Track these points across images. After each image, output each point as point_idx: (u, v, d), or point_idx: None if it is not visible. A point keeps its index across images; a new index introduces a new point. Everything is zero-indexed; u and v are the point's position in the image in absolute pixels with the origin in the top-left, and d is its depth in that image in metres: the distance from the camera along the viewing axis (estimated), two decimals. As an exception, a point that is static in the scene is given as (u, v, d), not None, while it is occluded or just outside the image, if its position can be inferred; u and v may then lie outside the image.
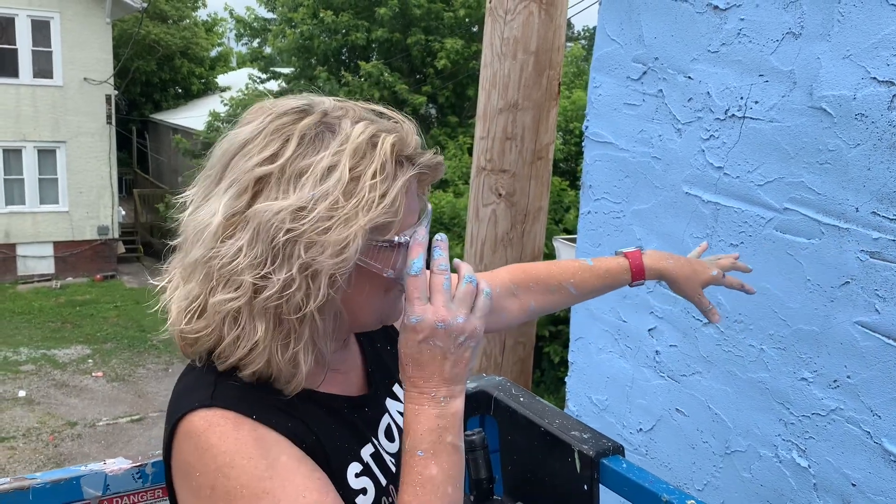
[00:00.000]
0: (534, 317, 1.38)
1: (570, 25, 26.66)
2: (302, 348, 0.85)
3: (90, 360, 12.68)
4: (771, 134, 1.61)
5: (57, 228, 17.27)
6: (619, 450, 1.38)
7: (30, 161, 16.86)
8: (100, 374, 12.15)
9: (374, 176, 0.84)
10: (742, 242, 1.69)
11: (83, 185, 17.40)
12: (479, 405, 1.65)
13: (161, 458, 1.20)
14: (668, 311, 1.87)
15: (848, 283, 1.48)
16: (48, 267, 17.25)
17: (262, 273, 0.81)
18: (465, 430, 1.53)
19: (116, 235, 18.21)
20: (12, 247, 16.85)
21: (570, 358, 2.23)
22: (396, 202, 0.85)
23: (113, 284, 17.30)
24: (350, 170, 0.83)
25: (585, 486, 1.38)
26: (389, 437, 1.03)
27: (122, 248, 18.88)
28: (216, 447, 0.81)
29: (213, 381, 0.85)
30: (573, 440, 1.41)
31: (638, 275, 1.34)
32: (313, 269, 0.81)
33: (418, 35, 14.88)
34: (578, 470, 1.39)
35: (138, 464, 1.26)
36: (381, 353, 1.10)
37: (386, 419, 1.03)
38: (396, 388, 1.09)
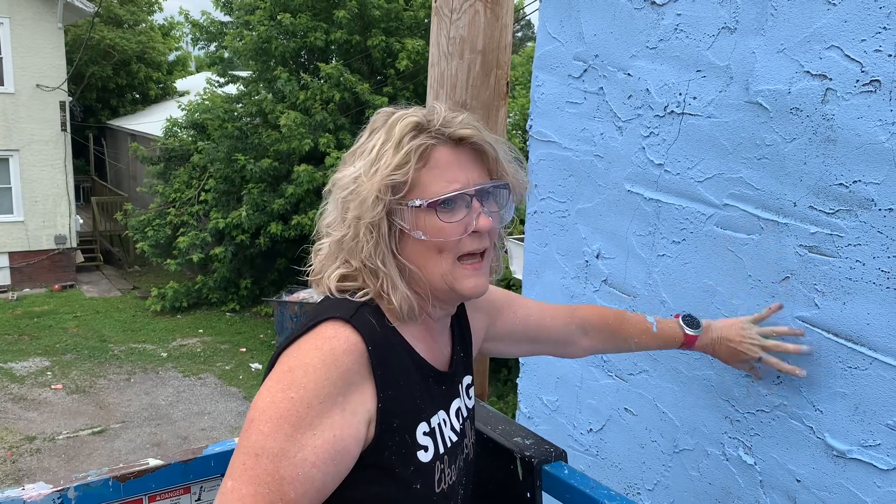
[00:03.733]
0: (596, 353, 1.57)
1: (529, 25, 26.78)
2: (385, 283, 1.05)
3: (49, 373, 12.39)
4: (709, 130, 1.60)
5: (12, 239, 16.86)
6: (561, 455, 1.36)
7: (-17, 170, 16.45)
8: (59, 386, 11.88)
9: (392, 147, 1.04)
10: (684, 239, 1.68)
11: (38, 193, 17.01)
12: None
13: (83, 481, 1.17)
14: (615, 308, 1.85)
15: (787, 278, 1.48)
16: (4, 278, 16.83)
17: (337, 226, 1.08)
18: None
19: (74, 244, 17.83)
20: (-35, 259, 16.42)
21: (520, 359, 2.21)
22: (407, 165, 1.03)
23: (72, 294, 16.93)
24: (380, 147, 1.06)
25: (528, 494, 1.35)
26: (458, 417, 1.18)
27: (80, 258, 18.50)
28: (322, 353, 0.98)
29: (356, 307, 1.05)
30: (515, 446, 1.39)
31: (684, 348, 1.52)
32: (357, 220, 1.04)
33: (379, 37, 14.80)
34: (521, 477, 1.36)
35: (60, 489, 1.20)
36: (460, 354, 1.24)
37: (458, 402, 1.19)
38: (461, 389, 1.23)
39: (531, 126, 2.06)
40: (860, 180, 1.34)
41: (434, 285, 1.10)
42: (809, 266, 1.44)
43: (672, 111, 1.67)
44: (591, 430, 1.98)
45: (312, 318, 1.04)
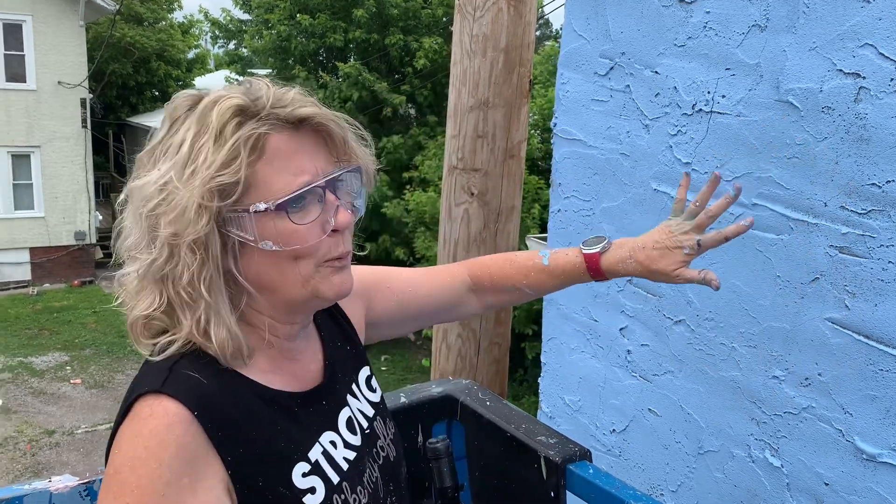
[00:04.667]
0: (492, 309, 1.43)
1: (548, 24, 26.71)
2: (205, 318, 0.87)
3: (68, 367, 12.53)
4: (738, 128, 1.58)
5: (32, 234, 17.05)
6: (586, 455, 1.35)
7: (3, 166, 16.64)
8: (78, 380, 12.00)
9: (211, 140, 0.85)
10: (711, 239, 1.66)
11: (59, 190, 17.20)
12: (445, 410, 1.61)
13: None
14: (640, 309, 1.84)
15: (817, 279, 1.46)
16: (24, 273, 17.03)
17: (144, 248, 0.88)
18: (431, 437, 1.50)
19: (94, 240, 18.01)
20: (-13, 253, 16.63)
21: (542, 359, 2.20)
22: (233, 163, 0.84)
23: (91, 290, 17.10)
24: (191, 141, 0.85)
25: (552, 493, 1.35)
26: (352, 427, 1.03)
27: (99, 254, 18.66)
28: (143, 438, 0.82)
29: (168, 368, 0.87)
30: (539, 446, 1.38)
31: (597, 276, 1.27)
32: (173, 241, 0.85)
33: (397, 35, 14.83)
34: (545, 476, 1.35)
35: (86, 481, 1.20)
36: (341, 352, 1.09)
37: (346, 412, 1.04)
38: (355, 388, 1.09)
39: (555, 124, 2.05)
40: (893, 180, 1.32)
41: (293, 299, 0.93)
42: (840, 267, 1.42)
43: (700, 109, 1.65)
44: (614, 430, 1.96)
45: (128, 393, 0.88)
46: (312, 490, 0.92)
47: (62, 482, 1.19)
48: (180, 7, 25.99)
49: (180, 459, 0.81)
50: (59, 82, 16.83)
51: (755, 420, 1.60)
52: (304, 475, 0.92)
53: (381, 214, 13.10)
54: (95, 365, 12.65)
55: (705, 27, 1.64)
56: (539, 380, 2.21)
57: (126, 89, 24.55)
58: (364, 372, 1.13)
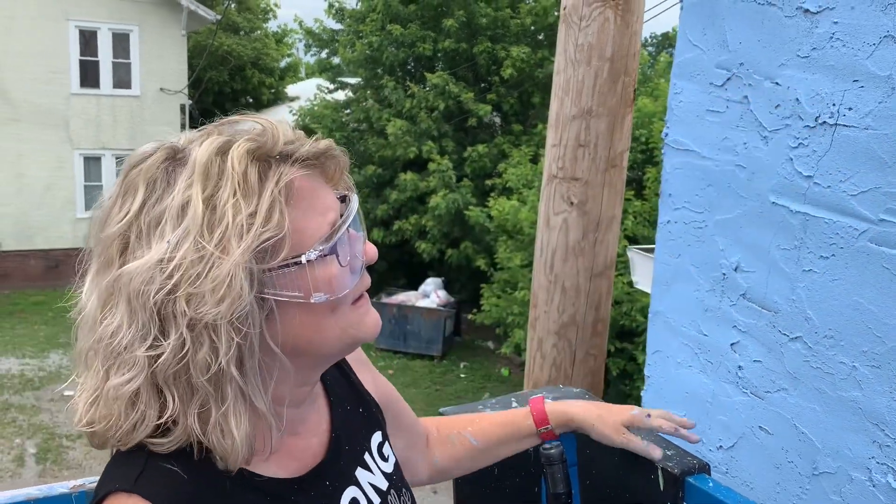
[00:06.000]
0: (445, 476, 1.27)
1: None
2: (230, 412, 0.73)
3: (162, 362, 13.06)
4: (866, 142, 1.53)
5: (132, 233, 17.89)
6: (704, 468, 1.34)
7: (108, 168, 17.53)
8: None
9: (234, 194, 0.72)
10: (833, 255, 1.62)
11: (158, 191, 18.00)
12: (555, 417, 1.62)
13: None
14: (753, 325, 1.80)
15: (951, 298, 1.40)
16: (123, 270, 17.88)
17: (151, 343, 0.71)
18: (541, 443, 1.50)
19: (188, 241, 18.75)
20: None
21: (646, 372, 2.18)
22: (274, 215, 0.73)
23: (184, 288, 17.80)
24: (205, 199, 0.72)
25: (669, 505, 1.34)
26: None
27: (193, 254, 19.41)
28: None
29: (143, 461, 0.75)
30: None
31: (541, 421, 1.25)
32: (204, 323, 0.70)
33: (485, 44, 14.90)
34: (662, 488, 1.34)
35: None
36: (351, 417, 0.98)
37: (351, 492, 0.90)
38: (368, 458, 0.96)
39: (667, 134, 2.03)
40: None
41: (327, 354, 0.84)
42: (977, 287, 1.36)
43: (824, 122, 1.62)
44: (720, 447, 1.93)
45: (96, 489, 0.78)
46: None
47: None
48: (275, 17, 26.86)
49: None
50: (160, 89, 17.64)
51: (877, 443, 1.55)
52: None
53: (464, 221, 13.17)
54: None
55: (832, 38, 1.60)
56: (642, 393, 2.19)
57: (222, 96, 25.50)
58: (376, 438, 1.00)
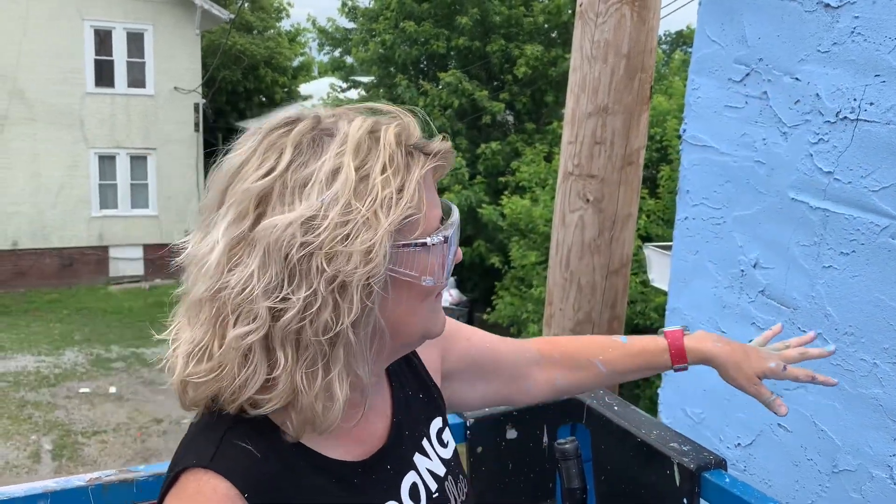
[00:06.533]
0: (562, 395, 1.29)
1: (650, 31, 26.20)
2: (336, 375, 0.76)
3: (176, 360, 13.12)
4: (888, 137, 1.52)
5: (147, 232, 17.99)
6: (721, 464, 1.33)
7: (123, 167, 17.64)
8: (185, 373, 12.56)
9: (383, 170, 0.76)
10: (853, 251, 1.60)
11: (172, 190, 18.09)
12: (570, 413, 1.62)
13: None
14: (772, 321, 1.79)
15: (975, 295, 1.39)
16: (138, 269, 17.98)
17: (281, 296, 0.73)
18: (555, 438, 1.51)
19: (202, 239, 18.82)
20: (105, 249, 17.64)
21: (662, 368, 2.17)
22: (416, 196, 0.77)
23: (198, 286, 17.88)
24: (356, 169, 0.76)
25: (685, 500, 1.33)
26: (415, 498, 0.92)
27: (206, 252, 19.48)
28: None
29: (219, 439, 0.78)
30: (672, 452, 1.37)
31: (678, 357, 1.23)
32: (340, 282, 0.73)
33: (499, 42, 14.88)
34: (678, 483, 1.34)
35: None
36: (412, 403, 0.99)
37: (411, 477, 0.92)
38: (426, 443, 0.98)
39: (685, 130, 2.02)
40: None
41: (407, 342, 0.87)
42: None
43: (845, 117, 1.60)
44: (738, 444, 1.92)
45: (173, 462, 0.81)
46: None
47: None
48: (288, 16, 26.94)
49: None
50: (175, 88, 17.72)
51: (899, 440, 1.54)
52: None
53: (477, 219, 13.16)
54: (201, 358, 13.22)
55: (853, 32, 1.59)
56: (659, 390, 2.18)
57: (235, 95, 25.58)
58: (436, 423, 1.01)
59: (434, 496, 0.93)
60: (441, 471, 0.97)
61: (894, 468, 1.55)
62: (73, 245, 17.30)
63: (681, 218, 2.03)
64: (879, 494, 1.58)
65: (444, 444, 1.00)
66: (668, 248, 2.14)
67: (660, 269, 6.51)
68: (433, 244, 0.80)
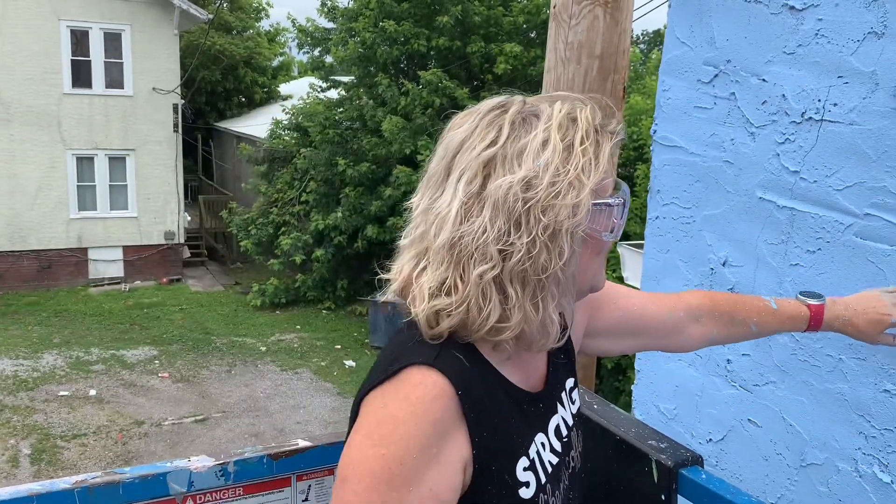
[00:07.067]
0: (712, 345, 1.43)
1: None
2: (553, 307, 0.94)
3: (157, 361, 13.05)
4: (851, 137, 1.56)
5: (126, 233, 17.85)
6: (697, 460, 1.35)
7: (101, 168, 17.48)
8: (166, 374, 12.49)
9: (582, 142, 0.94)
10: (819, 249, 1.64)
11: (151, 191, 17.95)
12: (546, 411, 1.64)
13: (241, 457, 1.24)
14: (741, 318, 1.82)
15: (934, 291, 1.42)
16: (118, 270, 17.83)
17: (509, 241, 0.91)
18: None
19: (182, 240, 18.71)
20: (84, 251, 17.48)
21: (636, 366, 2.20)
22: (607, 164, 0.95)
23: (179, 288, 17.77)
24: (561, 140, 0.93)
25: (663, 497, 1.35)
26: (558, 436, 1.08)
27: (187, 253, 19.38)
28: (409, 402, 0.90)
29: (440, 347, 0.94)
30: (650, 449, 1.39)
31: (815, 327, 1.39)
32: (552, 230, 0.91)
33: (478, 43, 14.91)
34: (656, 480, 1.36)
35: (221, 462, 1.29)
36: (557, 359, 1.14)
37: (556, 419, 1.09)
38: (564, 396, 1.13)
39: (655, 131, 2.05)
40: None
41: (581, 290, 1.04)
42: (960, 279, 1.38)
43: (810, 118, 1.64)
44: (710, 439, 1.95)
45: (393, 360, 0.95)
46: (527, 485, 0.99)
47: (200, 462, 1.27)
48: (267, 16, 26.81)
49: (436, 430, 0.90)
50: (153, 88, 17.57)
51: (863, 434, 1.57)
52: (525, 469, 0.99)
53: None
54: (182, 360, 13.14)
55: (817, 34, 1.62)
56: (633, 387, 2.21)
57: (214, 95, 25.44)
58: (570, 382, 1.17)
59: (565, 440, 1.10)
60: (570, 421, 1.13)
61: (859, 461, 1.58)
62: (52, 247, 17.12)
63: (652, 217, 2.06)
64: (845, 487, 1.61)
65: (573, 402, 1.17)
66: (642, 246, 2.17)
67: (633, 267, 6.56)
68: (616, 204, 0.98)
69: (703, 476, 1.30)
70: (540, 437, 1.04)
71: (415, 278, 0.97)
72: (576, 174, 0.92)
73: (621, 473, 1.42)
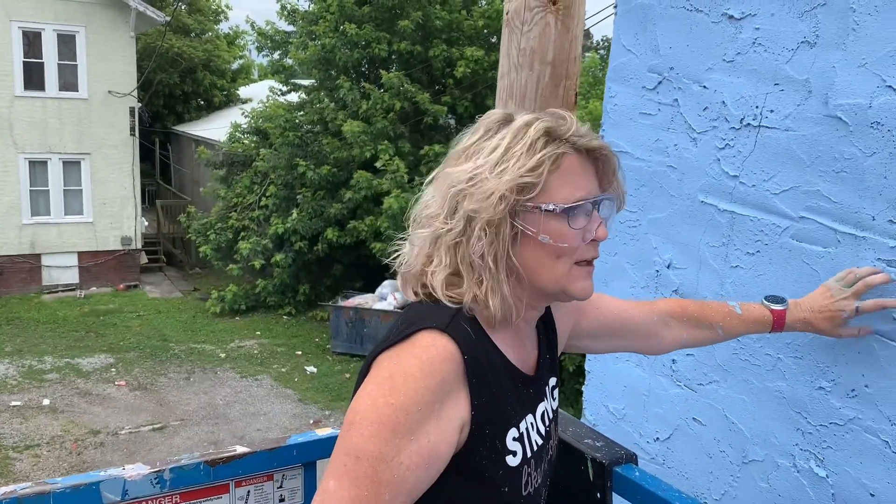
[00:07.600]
0: (683, 347, 1.54)
1: (588, 35, 26.63)
2: (489, 287, 1.05)
3: (113, 369, 12.81)
4: (786, 142, 1.61)
5: (81, 239, 17.51)
6: (632, 458, 1.39)
7: (55, 173, 17.14)
8: (122, 382, 12.27)
9: (522, 149, 1.05)
10: (758, 251, 1.69)
11: (107, 196, 17.64)
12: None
13: (177, 464, 1.24)
14: (685, 319, 1.87)
15: (865, 291, 1.47)
16: (72, 277, 17.48)
17: (444, 219, 1.06)
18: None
19: (139, 246, 18.42)
20: (38, 257, 17.10)
21: (586, 367, 2.23)
22: (540, 168, 1.04)
23: (135, 294, 17.48)
24: (506, 147, 1.06)
25: (598, 495, 1.38)
26: (543, 420, 1.19)
27: (144, 259, 19.08)
28: (420, 360, 1.00)
29: (451, 315, 1.05)
30: (586, 448, 1.42)
31: (778, 328, 1.51)
32: (467, 216, 1.04)
33: (440, 47, 14.95)
34: (591, 478, 1.39)
35: (156, 469, 1.28)
36: (543, 357, 1.24)
37: (543, 405, 1.20)
38: (547, 391, 1.24)
39: (603, 137, 2.09)
40: (943, 195, 1.34)
41: (544, 289, 1.11)
42: (888, 280, 1.44)
43: (748, 124, 1.68)
44: (657, 438, 1.99)
45: (408, 325, 1.05)
46: (514, 454, 1.10)
47: (135, 470, 1.26)
48: (226, 18, 26.54)
49: (441, 388, 0.99)
50: (109, 91, 17.29)
51: (801, 430, 1.62)
52: (514, 440, 1.10)
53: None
54: (139, 367, 12.92)
55: (754, 43, 1.67)
56: (583, 388, 2.24)
57: (172, 98, 25.12)
58: (553, 380, 1.27)
59: (547, 428, 1.21)
60: (551, 415, 1.24)
61: (797, 457, 1.63)
62: (3, 253, 16.74)
63: (601, 221, 2.10)
64: (784, 482, 1.66)
65: (554, 398, 1.27)
66: (592, 250, 2.19)
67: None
68: (547, 210, 1.05)
69: (637, 473, 1.33)
70: (529, 418, 1.15)
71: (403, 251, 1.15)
72: (500, 172, 1.04)
73: (559, 472, 1.45)
